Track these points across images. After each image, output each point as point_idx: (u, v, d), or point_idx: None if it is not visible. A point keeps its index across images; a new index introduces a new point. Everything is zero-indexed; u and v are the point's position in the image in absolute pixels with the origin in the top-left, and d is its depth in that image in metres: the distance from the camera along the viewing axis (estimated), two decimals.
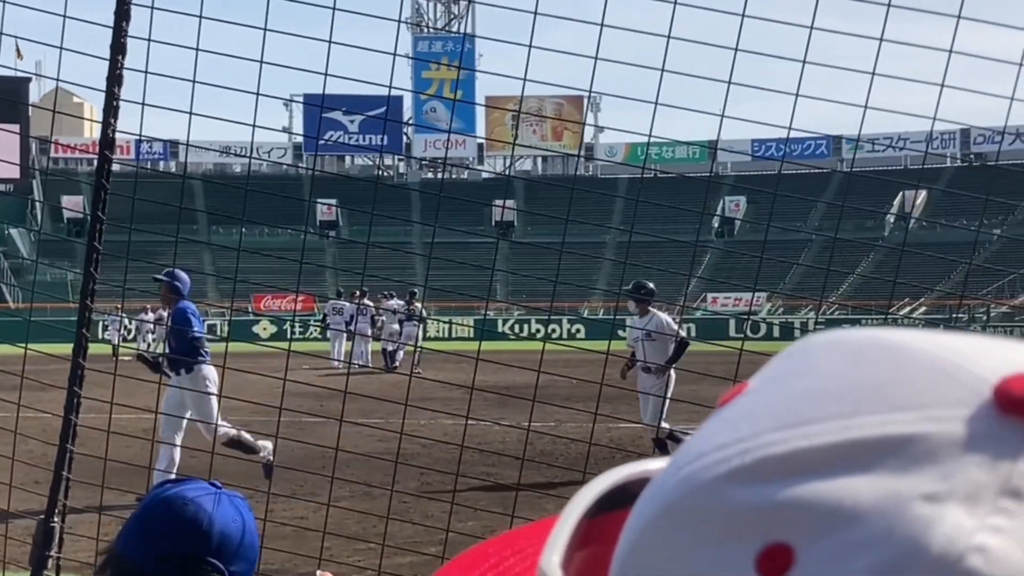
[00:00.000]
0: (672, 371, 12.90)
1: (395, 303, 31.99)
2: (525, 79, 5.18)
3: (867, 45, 4.94)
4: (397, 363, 30.05)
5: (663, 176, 63.99)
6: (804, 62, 4.81)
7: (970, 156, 67.55)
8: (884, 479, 0.47)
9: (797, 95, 5.04)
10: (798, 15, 5.27)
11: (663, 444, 12.55)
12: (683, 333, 14.03)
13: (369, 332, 31.28)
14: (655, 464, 0.62)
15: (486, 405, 12.89)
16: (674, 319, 17.10)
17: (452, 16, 79.42)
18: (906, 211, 61.25)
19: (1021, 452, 0.46)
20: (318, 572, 2.43)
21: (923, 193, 62.33)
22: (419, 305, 30.01)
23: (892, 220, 63.39)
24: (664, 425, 12.26)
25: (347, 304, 32.61)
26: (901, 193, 62.81)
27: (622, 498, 0.59)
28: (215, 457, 6.10)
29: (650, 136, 5.36)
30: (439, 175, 76.29)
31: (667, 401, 11.40)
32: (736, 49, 4.90)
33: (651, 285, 13.52)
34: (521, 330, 48.62)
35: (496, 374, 7.12)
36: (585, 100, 68.70)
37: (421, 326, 30.04)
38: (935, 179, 60.34)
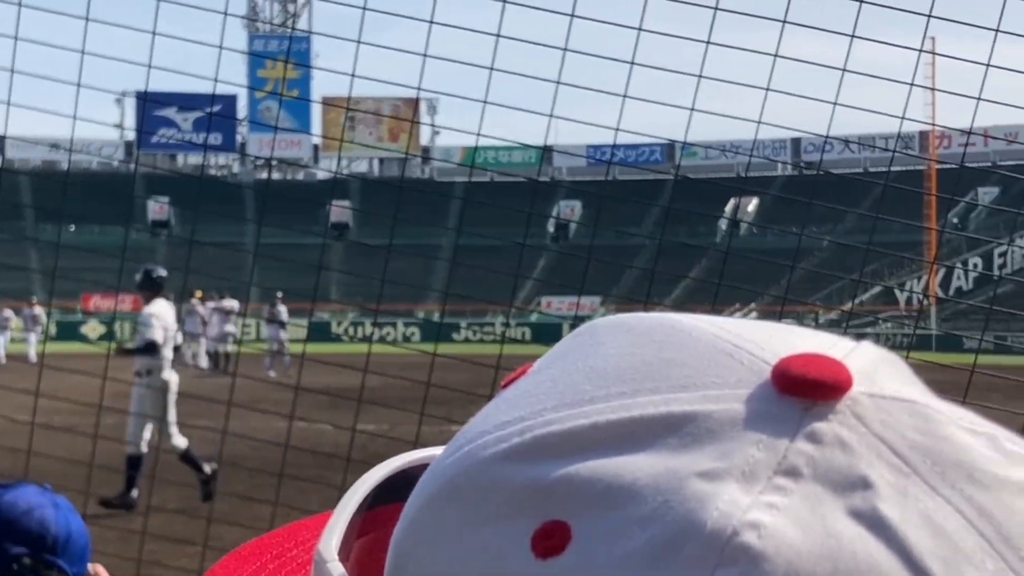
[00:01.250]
0: (164, 375, 11.53)
1: (229, 303, 31.49)
2: (354, 75, 5.09)
3: (708, 52, 4.97)
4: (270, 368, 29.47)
5: (499, 180, 64.30)
6: (632, 64, 4.81)
7: (800, 164, 69.39)
8: (662, 457, 0.47)
9: (625, 96, 5.05)
10: (633, 18, 5.28)
11: (134, 461, 10.99)
12: (155, 335, 11.67)
13: (201, 333, 30.76)
14: (439, 451, 0.60)
15: (320, 407, 12.72)
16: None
17: (289, 15, 78.52)
18: (738, 217, 62.66)
19: (799, 431, 0.47)
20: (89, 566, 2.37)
21: (754, 200, 63.87)
22: (283, 308, 29.65)
23: (724, 226, 64.75)
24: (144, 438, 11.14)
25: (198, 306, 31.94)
26: (733, 199, 64.21)
27: (405, 487, 0.57)
28: (32, 458, 5.86)
29: (478, 135, 5.32)
30: (274, 175, 75.32)
31: (148, 411, 10.97)
32: (565, 50, 4.89)
33: (160, 272, 11.99)
34: (356, 332, 48.29)
35: (335, 376, 7.03)
36: (424, 101, 68.56)
37: (283, 329, 29.78)
38: (767, 186, 61.83)
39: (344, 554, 0.59)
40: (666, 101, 5.32)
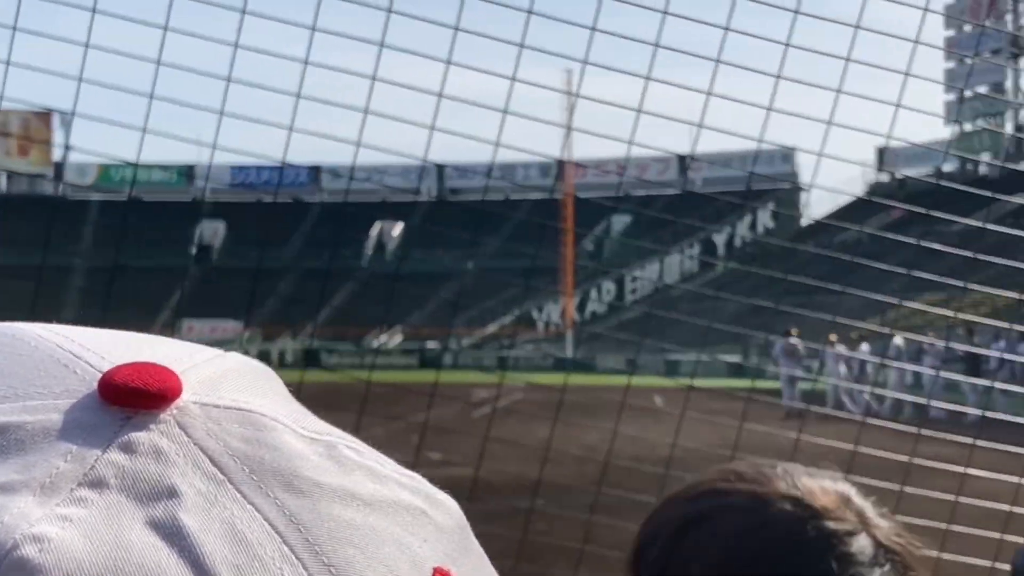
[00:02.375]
0: None
1: None
2: None
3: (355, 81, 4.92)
4: None
5: (138, 199, 62.29)
6: (228, 81, 4.70)
7: (444, 191, 70.65)
8: None
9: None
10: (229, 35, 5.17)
11: None
12: None
13: None
14: None
15: None
16: None
17: None
18: (384, 242, 63.10)
19: (114, 441, 0.46)
20: None
21: (399, 225, 64.49)
22: None
23: (370, 251, 65.06)
24: None
25: None
26: (378, 224, 64.64)
27: None
28: None
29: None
30: None
31: None
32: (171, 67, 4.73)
33: None
34: None
35: None
36: (57, 115, 65.64)
37: None
38: (412, 211, 62.56)
39: None
40: (319, 128, 5.22)
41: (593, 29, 4.61)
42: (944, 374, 11.28)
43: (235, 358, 0.54)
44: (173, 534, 0.45)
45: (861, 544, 1.09)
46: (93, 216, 60.14)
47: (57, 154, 68.71)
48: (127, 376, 0.48)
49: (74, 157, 71.89)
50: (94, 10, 4.92)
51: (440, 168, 70.03)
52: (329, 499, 0.48)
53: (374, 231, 64.94)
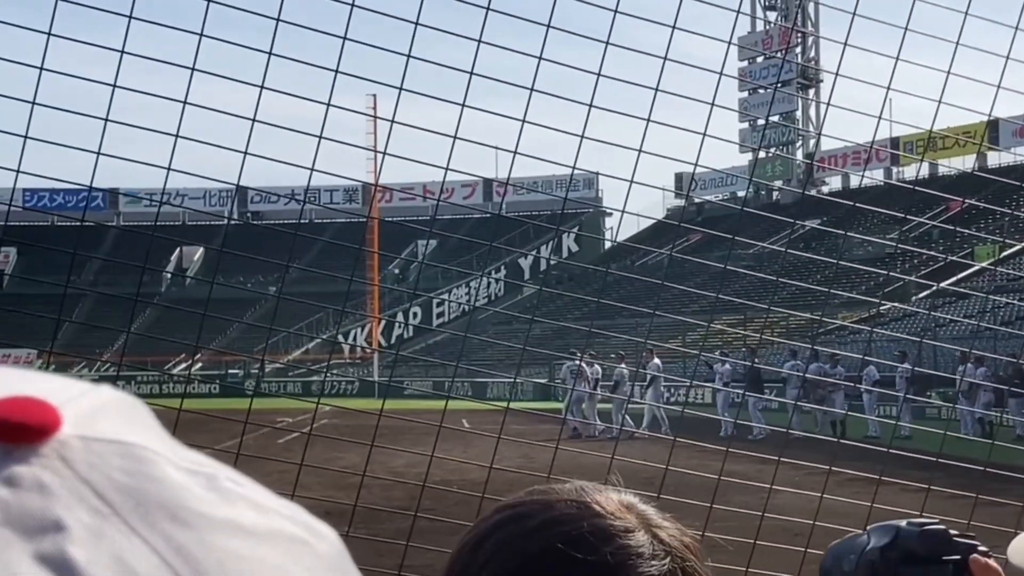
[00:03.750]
0: None
1: None
2: None
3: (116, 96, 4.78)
4: None
5: None
6: (33, 104, 4.53)
7: (247, 214, 69.64)
8: None
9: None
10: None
11: None
12: None
13: None
14: None
15: None
16: None
17: None
18: (183, 267, 61.85)
19: None
20: None
21: (200, 249, 63.32)
22: None
23: (169, 276, 63.69)
24: None
25: None
26: (179, 249, 63.32)
27: None
28: None
29: None
30: None
31: None
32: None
33: None
34: None
35: None
36: None
37: None
38: (213, 236, 61.54)
39: None
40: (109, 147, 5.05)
41: (409, 56, 4.59)
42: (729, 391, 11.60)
43: (108, 392, 0.53)
44: (62, 568, 0.44)
45: (639, 539, 1.15)
46: None
47: None
48: (6, 410, 0.47)
49: None
50: None
51: (243, 191, 69.12)
52: (215, 530, 0.48)
53: (174, 255, 63.63)
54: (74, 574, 0.44)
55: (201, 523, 0.48)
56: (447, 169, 4.66)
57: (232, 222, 67.72)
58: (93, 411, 0.50)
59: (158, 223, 59.38)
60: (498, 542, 1.17)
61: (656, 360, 26.66)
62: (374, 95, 42.75)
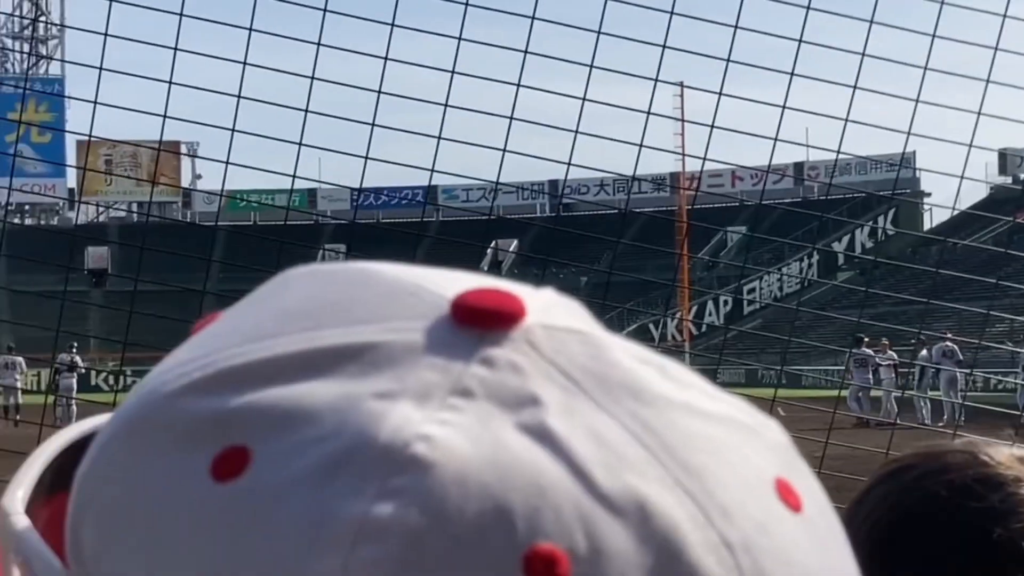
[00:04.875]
0: None
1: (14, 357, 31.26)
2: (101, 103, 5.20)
3: (454, 84, 5.27)
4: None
5: (262, 223, 63.70)
6: (380, 93, 5.05)
7: (559, 205, 70.97)
8: (341, 382, 0.49)
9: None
10: (380, 49, 5.54)
11: None
12: None
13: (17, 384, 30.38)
14: None
15: None
16: None
17: (40, 57, 76.16)
18: (499, 260, 63.63)
19: (473, 357, 0.50)
20: None
21: (514, 242, 65.00)
22: (68, 357, 29.20)
23: (486, 268, 65.66)
24: None
25: None
26: (494, 241, 65.24)
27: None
28: None
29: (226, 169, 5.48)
30: (26, 220, 72.71)
31: None
32: (312, 78, 5.09)
33: None
34: (117, 382, 46.93)
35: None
36: (184, 144, 67.43)
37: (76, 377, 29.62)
38: (526, 228, 62.99)
39: (33, 511, 0.58)
40: (420, 131, 5.56)
41: (728, 61, 4.87)
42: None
43: (552, 292, 0.56)
44: (543, 436, 0.47)
45: None
46: (220, 242, 61.76)
47: (185, 182, 70.62)
48: (478, 299, 0.51)
49: (201, 184, 73.82)
50: (173, 52, 5.34)
51: (554, 183, 70.43)
52: (674, 410, 0.50)
53: (490, 249, 65.62)
54: (554, 441, 0.47)
55: (661, 403, 0.50)
56: (769, 167, 4.94)
57: (544, 216, 69.22)
58: (548, 305, 0.54)
59: (473, 217, 61.37)
60: (878, 496, 1.21)
61: (948, 345, 25.87)
62: (681, 85, 42.86)
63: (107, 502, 0.51)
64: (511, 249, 65.61)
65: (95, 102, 5.41)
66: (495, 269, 64.91)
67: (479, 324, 0.51)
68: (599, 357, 0.51)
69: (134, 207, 74.43)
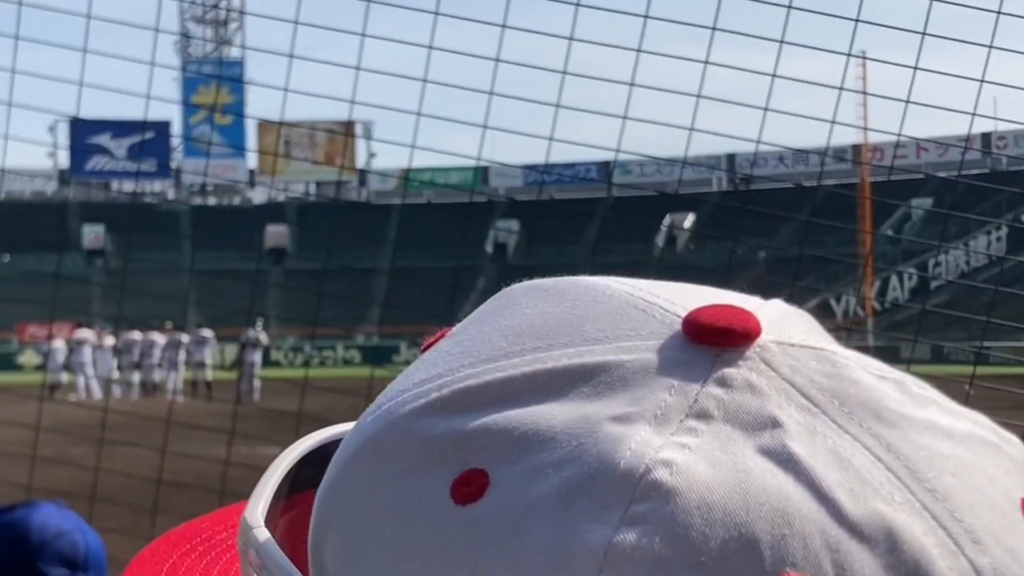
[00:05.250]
0: None
1: (205, 332, 31.99)
2: (287, 90, 5.04)
3: (640, 63, 4.98)
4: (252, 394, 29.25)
5: (437, 201, 64.26)
6: (564, 73, 4.81)
7: (736, 179, 69.95)
8: (577, 404, 0.49)
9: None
10: (566, 29, 5.27)
11: None
12: None
13: (180, 364, 31.06)
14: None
15: (260, 429, 12.61)
16: None
17: (222, 40, 78.10)
18: (675, 234, 63.03)
19: (709, 377, 0.49)
20: None
21: (690, 215, 64.28)
22: (254, 333, 29.81)
23: (661, 243, 65.12)
24: None
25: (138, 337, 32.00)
26: (669, 215, 64.62)
27: (322, 471, 0.57)
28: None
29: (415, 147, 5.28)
30: (209, 200, 74.78)
31: None
32: (497, 60, 4.88)
33: None
34: (295, 357, 47.94)
35: (275, 399, 6.93)
36: (359, 123, 68.49)
37: (261, 353, 30.25)
38: (703, 202, 62.25)
39: (270, 529, 0.59)
40: (600, 110, 5.32)
41: (924, 33, 4.53)
42: None
43: (781, 303, 0.55)
44: (785, 460, 0.46)
45: None
46: (395, 219, 62.47)
47: (361, 162, 71.74)
48: (712, 316, 0.51)
49: (376, 163, 74.93)
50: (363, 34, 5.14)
51: (731, 157, 69.40)
52: (916, 430, 0.49)
53: (665, 223, 65.00)
54: (797, 466, 0.46)
55: (902, 423, 0.49)
56: (906, 103, 4.55)
57: (721, 190, 68.29)
58: (780, 318, 0.53)
59: (647, 193, 60.88)
60: None
61: None
62: (863, 56, 41.56)
63: (348, 521, 0.52)
64: (685, 224, 64.88)
65: (285, 89, 5.25)
66: (671, 245, 64.35)
67: (713, 342, 0.50)
68: (837, 374, 0.50)
69: (311, 187, 75.97)
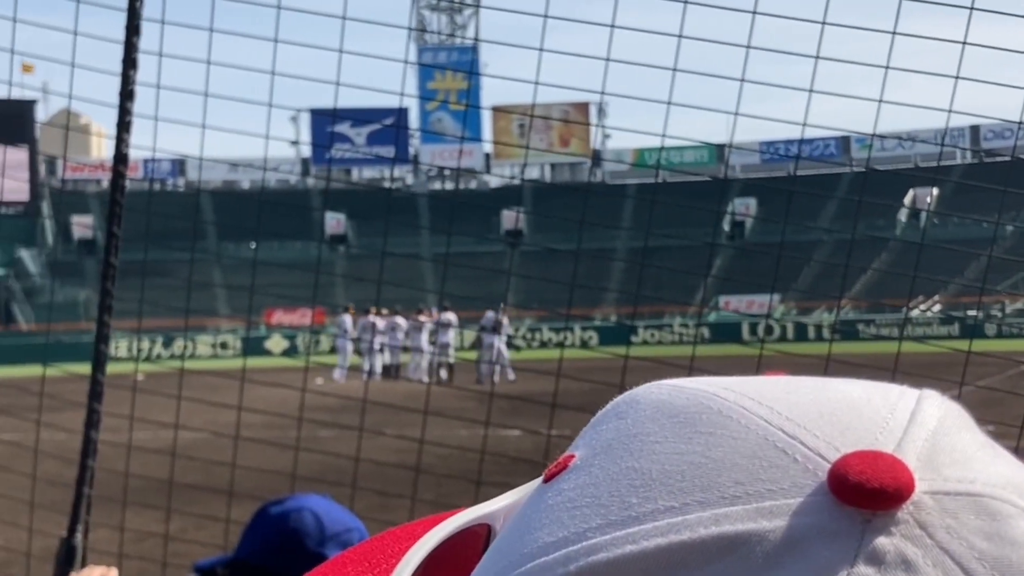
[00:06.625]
0: None
1: (447, 316, 32.41)
2: (537, 82, 5.17)
3: (875, 41, 4.92)
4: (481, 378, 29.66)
5: (672, 181, 63.93)
6: (817, 58, 4.78)
7: (980, 152, 67.37)
8: None
9: (811, 90, 5.01)
10: (807, 12, 5.23)
11: None
12: None
13: (424, 347, 31.45)
14: (494, 506, 0.62)
15: (499, 414, 12.87)
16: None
17: (456, 26, 79.52)
18: (918, 208, 61.15)
19: (859, 552, 0.45)
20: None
21: (935, 190, 62.22)
22: (494, 316, 30.18)
23: (904, 218, 63.30)
24: None
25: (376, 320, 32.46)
26: (911, 191, 62.72)
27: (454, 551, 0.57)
28: (226, 470, 6.09)
29: (665, 134, 5.34)
30: (447, 185, 76.27)
31: None
32: (748, 47, 4.88)
33: None
34: (533, 338, 48.54)
35: (507, 383, 7.06)
36: (593, 104, 68.67)
37: (503, 338, 30.50)
38: (946, 176, 60.26)
39: None
40: (845, 93, 5.28)
41: None
42: None
43: (930, 410, 0.50)
44: None
45: None
46: (630, 199, 62.49)
47: (596, 141, 72.00)
48: (861, 473, 0.46)
49: (610, 144, 75.10)
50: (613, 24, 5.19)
51: (975, 130, 66.84)
52: None
53: (907, 199, 63.12)
54: None
55: None
56: None
57: (966, 162, 65.84)
58: (930, 449, 0.48)
59: (890, 168, 59.22)
60: None
61: None
62: None
63: None
64: (927, 199, 62.87)
65: (535, 81, 5.37)
66: (914, 219, 62.44)
67: (863, 505, 0.45)
68: (999, 534, 0.45)
69: (547, 169, 76.65)
